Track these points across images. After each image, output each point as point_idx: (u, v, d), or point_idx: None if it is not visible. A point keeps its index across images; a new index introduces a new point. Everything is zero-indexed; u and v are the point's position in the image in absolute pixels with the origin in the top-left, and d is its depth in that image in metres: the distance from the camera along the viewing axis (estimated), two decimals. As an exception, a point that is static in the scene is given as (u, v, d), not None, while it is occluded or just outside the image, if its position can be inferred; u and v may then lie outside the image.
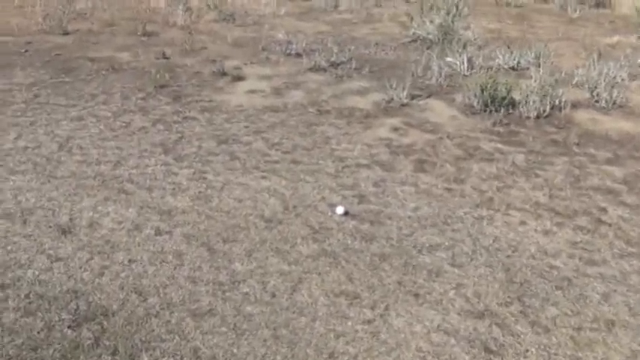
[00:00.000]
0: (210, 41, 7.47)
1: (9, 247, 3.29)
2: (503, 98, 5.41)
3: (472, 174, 4.41)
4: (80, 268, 3.15)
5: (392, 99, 5.60)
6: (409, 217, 3.80)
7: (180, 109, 5.34)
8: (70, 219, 3.58)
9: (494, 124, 5.23)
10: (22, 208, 3.68)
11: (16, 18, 7.91)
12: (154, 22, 8.15)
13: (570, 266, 3.34)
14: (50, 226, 3.50)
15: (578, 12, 9.36)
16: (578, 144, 4.94)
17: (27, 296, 2.90)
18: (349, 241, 3.50)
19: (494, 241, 3.58)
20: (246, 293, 2.99)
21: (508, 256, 3.43)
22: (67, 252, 3.27)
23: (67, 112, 5.17)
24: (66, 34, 7.46)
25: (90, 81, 5.95)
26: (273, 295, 2.98)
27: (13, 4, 8.61)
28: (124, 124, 4.98)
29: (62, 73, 6.12)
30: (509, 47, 7.00)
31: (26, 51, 6.82)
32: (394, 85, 5.68)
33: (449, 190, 4.18)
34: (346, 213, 3.80)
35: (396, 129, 5.12)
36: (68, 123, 4.94)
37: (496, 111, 5.37)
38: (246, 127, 5.07)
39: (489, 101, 5.40)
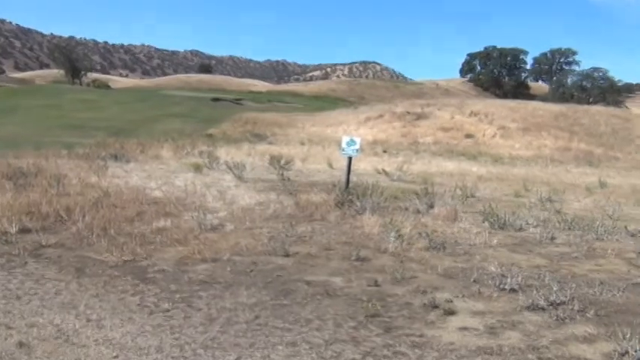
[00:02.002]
0: (421, 270, 7.50)
1: None
2: None
3: None
4: None
5: (626, 351, 4.96)
6: None
7: (391, 342, 5.25)
8: None
9: None
10: None
11: (246, 239, 8.75)
12: (366, 247, 8.49)
13: None
14: None
15: None
16: None
17: None
18: None
19: None
20: None
21: None
22: None
23: (283, 336, 5.35)
24: (287, 255, 8.00)
25: (305, 305, 6.19)
26: None
27: (244, 226, 9.62)
28: (334, 355, 4.98)
29: (281, 295, 6.48)
30: None
31: (251, 271, 7.40)
32: (627, 335, 5.07)
33: None
34: None
35: (635, 390, 4.44)
36: (283, 348, 5.08)
37: None
38: (459, 369, 4.77)
39: None
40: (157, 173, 15.88)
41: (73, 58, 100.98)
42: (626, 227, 10.02)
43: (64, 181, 12.49)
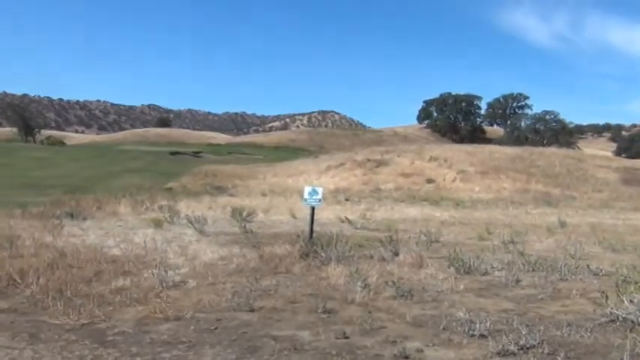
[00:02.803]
0: (389, 320, 7.37)
1: None
2: None
3: None
4: None
5: (600, 394, 4.90)
6: None
7: (363, 398, 5.07)
8: None
9: None
10: None
11: (209, 295, 8.51)
12: (333, 298, 8.34)
13: None
14: None
15: None
16: None
17: None
18: None
19: None
20: None
21: None
22: None
23: (251, 397, 5.11)
24: (252, 311, 7.77)
25: (273, 362, 5.97)
26: None
27: (207, 281, 9.36)
28: (305, 414, 4.78)
29: (247, 352, 6.25)
30: None
31: (216, 328, 7.14)
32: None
33: None
34: None
35: None
36: (251, 410, 4.85)
37: None
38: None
39: None
40: (115, 230, 15.48)
41: (27, 116, 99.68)
42: (588, 266, 10.13)
43: (17, 242, 12.03)
